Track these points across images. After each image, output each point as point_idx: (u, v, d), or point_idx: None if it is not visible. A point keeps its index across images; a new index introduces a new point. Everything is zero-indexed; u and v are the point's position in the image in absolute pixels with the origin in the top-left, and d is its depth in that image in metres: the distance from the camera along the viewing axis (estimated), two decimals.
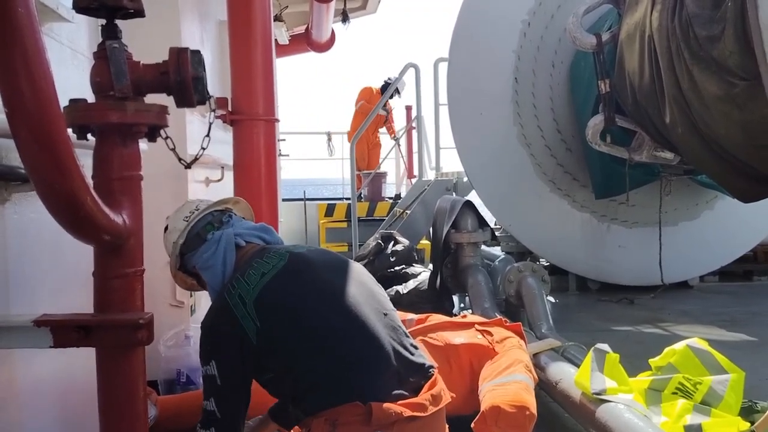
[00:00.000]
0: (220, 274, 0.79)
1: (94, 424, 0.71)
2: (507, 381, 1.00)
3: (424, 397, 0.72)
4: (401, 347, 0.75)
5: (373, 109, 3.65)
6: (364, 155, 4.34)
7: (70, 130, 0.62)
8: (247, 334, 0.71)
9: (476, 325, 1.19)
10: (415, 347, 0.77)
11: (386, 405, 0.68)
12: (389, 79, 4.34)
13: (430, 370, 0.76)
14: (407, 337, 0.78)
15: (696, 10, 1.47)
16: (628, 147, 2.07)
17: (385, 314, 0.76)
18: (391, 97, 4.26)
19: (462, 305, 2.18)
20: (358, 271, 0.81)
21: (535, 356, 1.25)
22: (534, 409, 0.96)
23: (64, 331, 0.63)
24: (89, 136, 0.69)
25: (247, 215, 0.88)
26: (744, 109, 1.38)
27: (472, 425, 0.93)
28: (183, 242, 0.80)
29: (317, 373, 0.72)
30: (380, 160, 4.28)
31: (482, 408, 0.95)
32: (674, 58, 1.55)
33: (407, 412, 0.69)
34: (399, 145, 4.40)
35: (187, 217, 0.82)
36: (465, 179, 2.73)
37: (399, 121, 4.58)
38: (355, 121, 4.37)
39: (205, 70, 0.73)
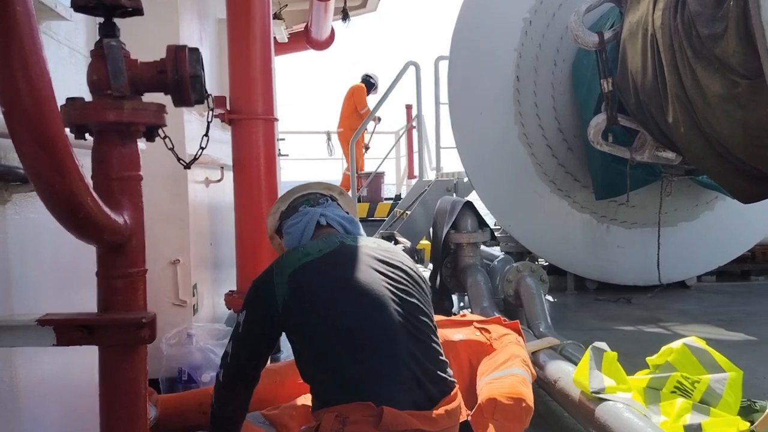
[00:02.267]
0: (296, 242, 0.87)
1: (95, 422, 0.71)
2: (504, 375, 1.00)
3: (437, 412, 0.72)
4: (424, 357, 0.75)
5: (371, 110, 3.65)
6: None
7: (67, 130, 0.62)
8: (276, 300, 0.77)
9: (474, 323, 1.20)
10: (444, 363, 0.78)
11: (398, 412, 0.69)
12: (370, 76, 4.35)
13: (452, 385, 0.76)
14: (437, 352, 0.78)
15: (698, 9, 1.46)
16: (630, 147, 2.06)
17: (414, 322, 0.77)
18: (368, 93, 4.26)
19: (461, 304, 2.19)
20: (403, 275, 0.81)
21: (533, 354, 1.25)
22: (531, 402, 0.96)
23: (67, 330, 0.63)
24: (87, 135, 0.69)
25: (351, 210, 0.96)
26: (747, 107, 1.37)
27: (469, 418, 0.94)
28: (284, 209, 0.92)
29: (330, 364, 0.74)
30: (369, 160, 4.36)
31: (479, 401, 0.96)
32: (677, 56, 1.54)
33: (416, 424, 0.69)
34: (368, 149, 4.41)
35: (295, 190, 0.94)
36: (465, 179, 2.73)
37: (397, 120, 4.57)
38: (349, 120, 4.33)
39: (203, 69, 0.72)
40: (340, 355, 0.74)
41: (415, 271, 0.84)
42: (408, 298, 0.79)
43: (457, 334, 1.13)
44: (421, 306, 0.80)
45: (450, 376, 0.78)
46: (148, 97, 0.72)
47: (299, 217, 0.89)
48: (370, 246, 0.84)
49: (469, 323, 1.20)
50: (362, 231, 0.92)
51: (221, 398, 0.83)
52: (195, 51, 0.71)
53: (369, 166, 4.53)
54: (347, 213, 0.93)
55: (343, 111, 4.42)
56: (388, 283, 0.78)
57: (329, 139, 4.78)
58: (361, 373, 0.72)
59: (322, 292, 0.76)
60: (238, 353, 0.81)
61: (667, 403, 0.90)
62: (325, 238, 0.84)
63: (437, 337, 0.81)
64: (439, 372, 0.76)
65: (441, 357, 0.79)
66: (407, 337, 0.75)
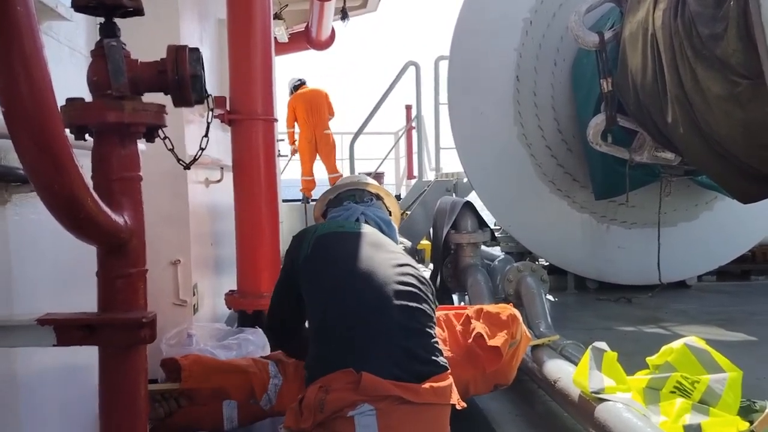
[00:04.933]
0: None
1: (95, 421, 0.71)
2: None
3: (422, 386, 0.72)
4: (416, 339, 0.76)
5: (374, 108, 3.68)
6: (313, 157, 4.37)
7: (67, 131, 0.62)
8: (300, 253, 0.86)
9: (467, 307, 1.25)
10: (438, 350, 0.79)
11: (377, 378, 0.69)
12: (299, 80, 4.46)
13: (442, 369, 0.77)
14: (431, 337, 0.79)
15: (699, 9, 1.46)
16: (629, 147, 2.07)
17: (411, 306, 0.79)
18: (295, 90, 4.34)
19: (462, 304, 2.18)
20: (410, 271, 0.85)
21: (534, 349, 1.27)
22: (519, 316, 1.04)
23: (68, 330, 0.64)
24: (87, 136, 0.69)
25: (394, 210, 1.04)
26: (746, 107, 1.38)
27: (458, 328, 0.98)
28: (332, 198, 1.01)
29: (323, 335, 0.77)
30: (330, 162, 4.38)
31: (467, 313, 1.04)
32: (677, 56, 1.55)
33: (396, 392, 0.69)
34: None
35: (346, 184, 1.03)
36: (465, 180, 2.76)
37: (397, 120, 4.60)
38: (326, 123, 4.40)
39: (203, 69, 0.72)
40: (333, 324, 0.76)
41: (421, 274, 0.87)
42: (410, 288, 0.81)
43: (451, 312, 1.18)
44: (422, 296, 0.82)
45: (443, 363, 0.78)
46: (148, 97, 0.72)
47: (342, 211, 0.97)
48: (393, 245, 0.90)
49: (463, 308, 1.25)
50: (394, 233, 0.98)
51: (269, 325, 0.98)
52: (195, 51, 0.71)
53: (369, 167, 4.54)
54: (390, 213, 1.01)
55: (322, 114, 4.41)
56: (395, 272, 0.81)
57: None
58: (348, 344, 0.73)
59: (332, 260, 0.82)
60: (277, 293, 0.92)
61: (667, 403, 0.90)
62: (362, 223, 0.93)
63: (434, 326, 0.82)
64: (431, 356, 0.76)
65: (435, 344, 0.79)
66: (401, 319, 0.76)
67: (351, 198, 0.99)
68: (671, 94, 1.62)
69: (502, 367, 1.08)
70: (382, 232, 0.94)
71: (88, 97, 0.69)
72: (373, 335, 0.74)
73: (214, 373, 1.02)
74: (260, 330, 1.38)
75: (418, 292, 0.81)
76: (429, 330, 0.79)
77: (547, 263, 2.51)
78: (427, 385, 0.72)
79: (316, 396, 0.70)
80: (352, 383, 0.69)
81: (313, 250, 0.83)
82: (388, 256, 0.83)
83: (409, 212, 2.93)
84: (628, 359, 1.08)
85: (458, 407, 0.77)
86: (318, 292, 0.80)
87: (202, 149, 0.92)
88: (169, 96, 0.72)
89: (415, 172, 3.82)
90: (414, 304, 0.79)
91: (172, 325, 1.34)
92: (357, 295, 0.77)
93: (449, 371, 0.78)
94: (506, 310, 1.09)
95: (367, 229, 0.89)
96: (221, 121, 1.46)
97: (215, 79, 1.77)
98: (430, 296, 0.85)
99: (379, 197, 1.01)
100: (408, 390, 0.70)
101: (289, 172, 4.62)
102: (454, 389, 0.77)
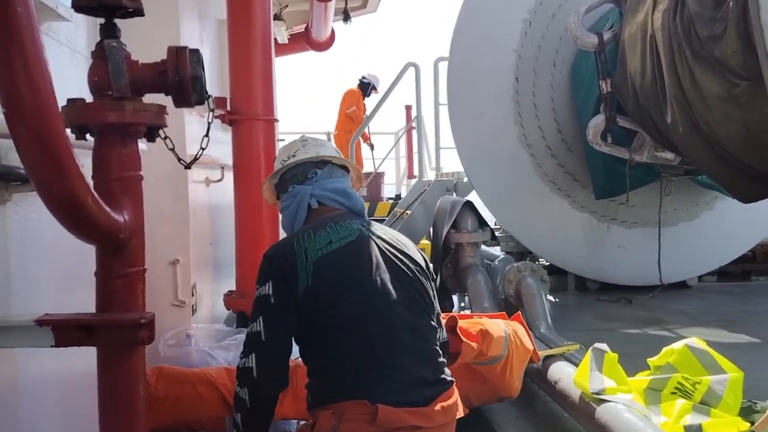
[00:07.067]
0: (290, 226, 0.87)
1: (94, 422, 0.71)
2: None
3: (433, 408, 0.72)
4: (424, 361, 0.75)
5: (370, 111, 3.70)
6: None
7: (68, 131, 0.62)
8: (298, 283, 0.74)
9: (474, 316, 1.22)
10: (443, 364, 0.79)
11: (393, 410, 0.69)
12: (364, 77, 4.40)
13: (449, 384, 0.77)
14: (437, 354, 0.78)
15: (698, 10, 1.47)
16: (629, 147, 2.07)
17: (419, 325, 0.77)
18: (368, 95, 4.35)
19: (462, 305, 2.20)
20: (413, 269, 0.81)
21: (548, 358, 1.25)
22: (494, 332, 0.99)
23: (66, 331, 0.64)
24: (88, 136, 0.69)
25: (352, 169, 0.90)
26: (745, 108, 1.38)
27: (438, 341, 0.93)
28: (276, 182, 0.89)
29: (332, 362, 0.74)
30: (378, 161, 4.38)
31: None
32: (676, 57, 1.55)
33: (412, 421, 0.70)
34: (372, 148, 4.46)
35: (284, 161, 0.87)
36: (465, 179, 2.73)
37: (397, 120, 4.60)
38: (343, 123, 4.42)
39: (203, 70, 0.72)
40: (342, 355, 0.74)
41: (423, 261, 0.83)
42: (416, 304, 0.79)
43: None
44: (427, 307, 0.81)
45: (448, 376, 0.78)
46: (149, 98, 0.72)
47: (290, 199, 0.84)
48: (384, 237, 0.82)
49: (470, 316, 1.23)
50: (356, 200, 0.85)
51: (265, 390, 0.73)
52: (196, 52, 0.71)
53: (369, 166, 4.54)
54: (341, 178, 0.85)
55: (338, 114, 4.46)
56: (400, 283, 0.78)
57: (329, 139, 4.81)
58: (360, 374, 0.73)
59: (337, 288, 0.76)
60: (277, 324, 0.72)
61: (668, 403, 0.90)
62: (346, 224, 0.80)
63: (438, 338, 0.82)
64: (439, 375, 0.77)
65: (440, 359, 0.80)
66: (411, 341, 0.76)
67: (294, 179, 0.83)
68: (670, 95, 1.62)
69: (498, 382, 1.06)
70: (343, 205, 0.82)
71: (88, 98, 0.69)
72: (384, 362, 0.72)
73: (181, 383, 1.00)
74: None
75: (424, 305, 0.79)
76: (436, 347, 0.79)
77: (548, 263, 2.50)
78: (437, 406, 0.72)
79: (328, 423, 0.69)
80: (368, 414, 0.68)
81: (313, 279, 0.73)
82: (386, 266, 0.77)
83: (409, 212, 2.92)
84: (629, 360, 1.08)
85: (461, 414, 0.78)
86: (324, 322, 0.74)
87: (203, 149, 0.91)
88: (169, 96, 0.72)
89: (416, 172, 3.83)
90: (422, 323, 0.78)
91: (170, 326, 1.34)
92: (365, 321, 0.74)
93: (455, 382, 0.78)
94: (477, 325, 1.03)
95: (355, 236, 0.78)
96: (222, 122, 1.47)
97: (216, 80, 1.77)
98: (431, 283, 0.81)
99: (324, 161, 0.84)
100: (422, 416, 0.70)
101: None
102: (459, 401, 0.77)
